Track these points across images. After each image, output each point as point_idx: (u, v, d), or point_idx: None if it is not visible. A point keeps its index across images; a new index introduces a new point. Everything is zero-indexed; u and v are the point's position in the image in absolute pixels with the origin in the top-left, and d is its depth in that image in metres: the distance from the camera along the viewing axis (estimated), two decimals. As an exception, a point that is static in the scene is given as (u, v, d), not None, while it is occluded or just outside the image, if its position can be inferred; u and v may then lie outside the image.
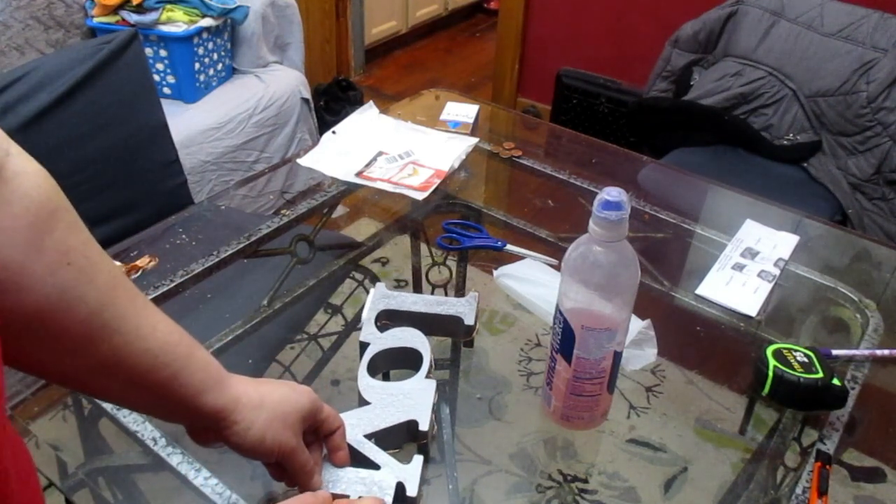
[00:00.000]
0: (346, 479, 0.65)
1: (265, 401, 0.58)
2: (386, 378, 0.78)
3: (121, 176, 1.28)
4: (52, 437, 0.74)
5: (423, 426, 0.71)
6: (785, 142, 1.99)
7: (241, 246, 1.02)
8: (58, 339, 0.45)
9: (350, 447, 0.68)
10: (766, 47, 2.01)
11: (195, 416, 0.55)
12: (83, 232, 0.47)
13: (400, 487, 0.65)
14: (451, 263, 1.04)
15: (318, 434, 0.64)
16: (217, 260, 0.98)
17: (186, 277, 0.95)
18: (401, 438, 0.72)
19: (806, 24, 1.96)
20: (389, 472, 0.66)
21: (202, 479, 0.69)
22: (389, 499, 0.64)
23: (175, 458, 0.71)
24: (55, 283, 0.44)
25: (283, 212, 1.09)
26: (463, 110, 1.36)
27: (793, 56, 1.97)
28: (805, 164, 1.97)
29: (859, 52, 1.88)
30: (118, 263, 0.96)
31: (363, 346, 0.80)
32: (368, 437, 0.69)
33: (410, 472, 0.66)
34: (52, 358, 0.46)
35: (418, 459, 0.68)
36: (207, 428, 0.57)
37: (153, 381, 0.51)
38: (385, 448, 0.69)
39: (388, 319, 0.85)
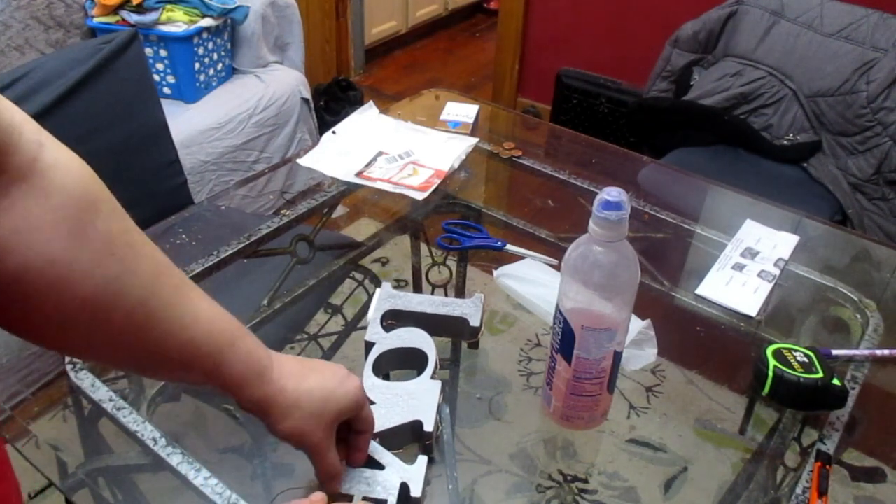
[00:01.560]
0: (351, 479, 0.65)
1: (304, 399, 0.58)
2: (386, 378, 0.78)
3: (121, 176, 1.27)
4: (52, 437, 0.74)
5: (428, 427, 0.71)
6: (785, 142, 1.99)
7: (241, 246, 1.02)
8: (104, 331, 0.45)
9: None
10: (766, 47, 2.01)
11: (236, 400, 0.57)
12: (124, 218, 0.46)
13: (404, 488, 0.65)
14: (451, 263, 1.04)
15: (350, 430, 0.65)
16: (217, 260, 0.98)
17: (186, 277, 0.95)
18: (405, 439, 0.72)
19: (806, 24, 1.96)
20: (393, 472, 0.66)
21: (202, 479, 0.69)
22: (393, 499, 0.64)
23: (175, 458, 0.71)
24: (102, 275, 0.43)
25: (283, 212, 1.09)
26: (463, 110, 1.36)
27: (793, 56, 1.97)
28: (805, 164, 1.97)
29: (859, 52, 1.87)
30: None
31: (368, 346, 0.80)
32: (373, 436, 0.69)
33: (414, 473, 0.66)
34: (97, 347, 0.47)
35: (422, 460, 0.68)
36: (253, 410, 0.58)
37: (196, 369, 0.52)
38: (389, 448, 0.69)
39: (393, 319, 0.85)
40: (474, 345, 0.87)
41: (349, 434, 0.65)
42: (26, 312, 0.42)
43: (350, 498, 0.64)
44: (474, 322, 0.84)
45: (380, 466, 0.67)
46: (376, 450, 0.68)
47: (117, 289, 0.44)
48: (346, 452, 0.65)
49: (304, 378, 0.59)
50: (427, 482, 0.68)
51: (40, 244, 0.41)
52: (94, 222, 0.43)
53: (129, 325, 0.46)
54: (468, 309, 0.85)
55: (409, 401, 0.73)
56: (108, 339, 0.46)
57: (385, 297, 0.86)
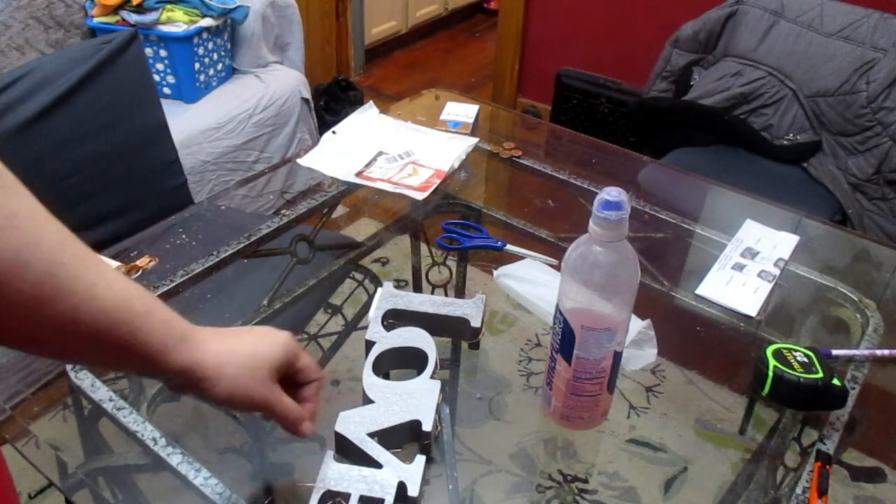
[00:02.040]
0: (348, 478, 0.65)
1: (232, 356, 0.57)
2: (386, 378, 0.78)
3: (121, 176, 1.28)
4: (52, 437, 0.74)
5: (427, 426, 0.71)
6: (785, 142, 1.99)
7: (241, 246, 1.02)
8: (11, 304, 0.45)
9: (353, 445, 0.68)
10: (766, 47, 2.01)
11: (162, 373, 0.55)
12: (28, 196, 0.46)
13: (401, 487, 0.65)
14: (451, 263, 1.04)
15: (297, 382, 0.64)
16: (217, 260, 0.98)
17: (186, 277, 0.95)
18: (403, 438, 0.72)
19: (806, 24, 1.96)
20: (391, 472, 0.66)
21: (202, 479, 0.69)
22: (390, 498, 0.64)
23: (175, 458, 0.71)
24: (3, 247, 0.43)
25: (283, 212, 1.09)
26: (463, 110, 1.36)
27: (793, 56, 1.97)
28: (805, 164, 1.97)
29: (859, 52, 1.88)
30: (117, 263, 0.96)
31: (369, 345, 0.80)
32: (371, 435, 0.69)
33: (412, 472, 0.66)
34: (8, 323, 0.46)
35: (420, 459, 0.68)
36: (181, 383, 0.57)
37: (113, 340, 0.50)
38: (387, 447, 0.69)
39: (394, 319, 0.85)
40: (475, 345, 0.87)
41: (298, 392, 0.64)
42: None
43: (347, 496, 0.64)
44: (475, 322, 0.84)
45: (377, 465, 0.67)
46: (374, 448, 0.68)
47: (22, 260, 0.44)
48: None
49: (229, 338, 0.59)
50: (426, 482, 0.68)
51: None
52: None
53: (38, 296, 0.45)
54: (469, 309, 0.85)
55: (409, 400, 0.73)
56: (20, 316, 0.45)
57: (386, 297, 0.86)
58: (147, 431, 0.73)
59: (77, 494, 0.70)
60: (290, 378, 0.63)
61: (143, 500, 0.71)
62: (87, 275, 0.48)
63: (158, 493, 0.72)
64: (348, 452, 0.69)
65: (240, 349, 0.59)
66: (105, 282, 0.50)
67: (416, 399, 0.73)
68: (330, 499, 0.64)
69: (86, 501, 0.70)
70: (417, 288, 1.00)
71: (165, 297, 0.92)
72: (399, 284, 0.99)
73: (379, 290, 0.88)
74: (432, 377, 0.76)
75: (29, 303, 0.45)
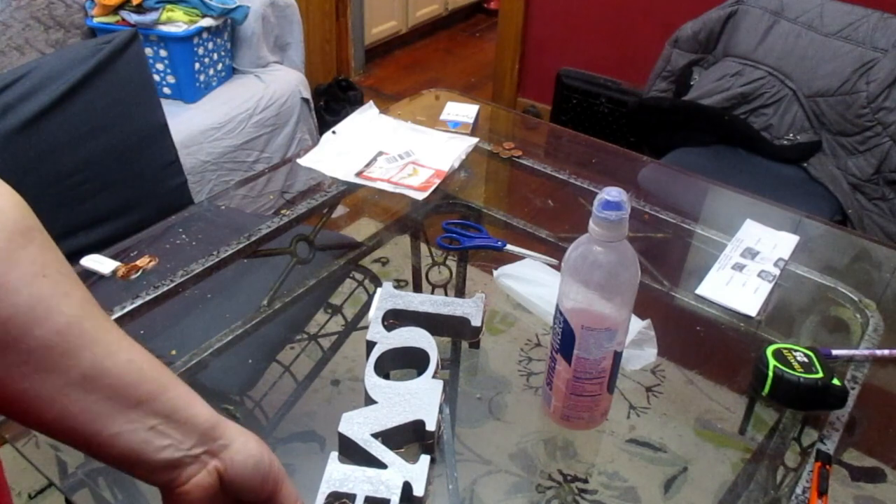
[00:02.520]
0: (353, 479, 0.65)
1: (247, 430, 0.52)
2: (385, 378, 0.78)
3: (121, 176, 1.28)
4: (52, 437, 0.74)
5: (430, 426, 0.71)
6: (785, 142, 1.99)
7: (241, 246, 1.02)
8: (31, 353, 0.43)
9: (357, 446, 0.68)
10: (766, 47, 2.01)
11: (186, 431, 0.49)
12: (57, 252, 0.47)
13: (406, 487, 0.65)
14: (451, 263, 1.04)
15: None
16: (217, 260, 0.98)
17: (186, 277, 0.95)
18: (407, 438, 0.72)
19: (806, 24, 1.96)
20: (396, 472, 0.66)
21: (202, 479, 0.69)
22: (396, 498, 0.64)
23: (175, 458, 0.70)
24: (31, 294, 0.43)
25: (283, 212, 1.09)
26: (463, 110, 1.36)
27: (793, 56, 1.97)
28: (805, 164, 1.97)
29: (859, 52, 1.88)
30: (118, 263, 0.96)
31: (370, 346, 0.80)
32: (375, 436, 0.69)
33: (417, 472, 0.66)
34: (23, 377, 0.44)
35: (425, 459, 0.68)
36: (190, 462, 0.50)
37: (140, 393, 0.47)
38: (390, 447, 0.69)
39: (394, 319, 0.85)
40: (475, 344, 0.87)
41: None
42: None
43: (353, 497, 0.64)
44: (475, 322, 0.84)
45: (382, 466, 0.67)
46: (378, 449, 0.68)
47: (49, 307, 0.44)
48: None
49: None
50: (428, 482, 0.68)
51: None
52: (28, 249, 0.44)
53: (62, 345, 0.44)
54: (469, 309, 0.85)
55: (412, 400, 0.73)
56: (35, 364, 0.44)
57: (386, 297, 0.86)
58: (147, 431, 0.73)
59: (77, 494, 0.70)
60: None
61: (143, 500, 0.71)
62: (114, 330, 0.48)
63: (158, 493, 0.72)
64: (352, 453, 0.69)
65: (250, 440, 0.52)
66: (129, 340, 0.48)
67: (419, 399, 0.73)
68: (335, 500, 0.64)
69: (86, 501, 0.70)
70: (417, 288, 1.00)
71: (165, 297, 0.92)
72: (399, 284, 0.99)
73: (378, 290, 0.88)
74: (434, 377, 0.76)
75: (52, 352, 0.44)
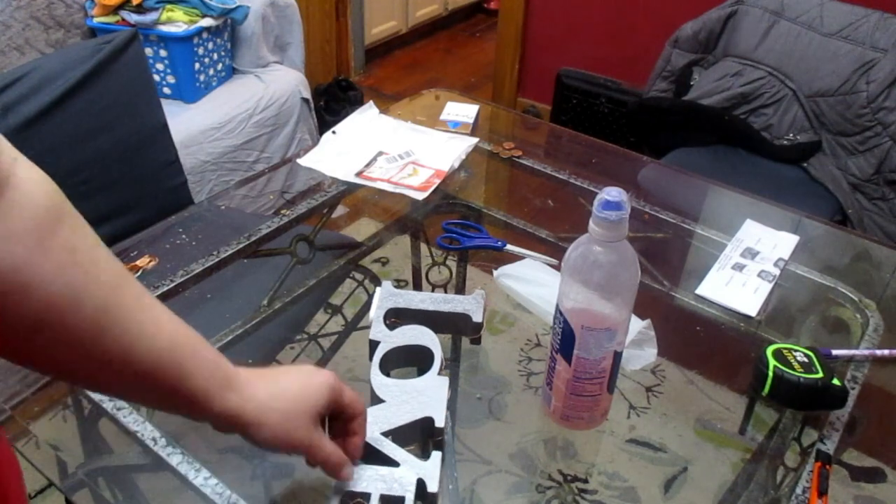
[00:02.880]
0: (367, 478, 0.65)
1: (276, 401, 0.58)
2: (386, 377, 0.78)
3: (121, 176, 1.28)
4: (52, 437, 0.74)
5: (439, 423, 0.71)
6: (785, 142, 1.99)
7: (241, 246, 1.02)
8: (67, 337, 0.46)
9: (368, 445, 0.68)
10: (766, 47, 2.01)
11: (205, 418, 0.56)
12: (90, 235, 0.49)
13: (420, 484, 0.65)
14: (451, 263, 1.04)
15: (341, 420, 0.64)
16: (217, 260, 0.98)
17: (186, 277, 0.95)
18: (416, 436, 0.72)
19: (806, 24, 1.96)
20: (409, 469, 0.66)
21: (202, 479, 0.69)
22: (411, 495, 0.64)
23: (175, 458, 0.71)
24: (63, 282, 0.45)
25: (283, 212, 1.09)
26: (463, 110, 1.36)
27: (793, 56, 1.97)
28: (805, 164, 1.97)
29: (859, 52, 1.88)
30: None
31: (373, 345, 0.80)
32: (385, 434, 0.69)
33: (430, 469, 0.66)
34: (63, 356, 0.47)
35: (437, 456, 0.68)
36: (225, 426, 0.57)
37: (160, 381, 0.51)
38: (400, 445, 0.69)
39: (395, 317, 0.85)
40: (476, 340, 0.87)
41: (345, 426, 0.65)
42: None
43: (367, 496, 0.64)
44: (477, 318, 0.84)
45: (395, 464, 0.67)
46: (390, 447, 0.68)
47: (79, 295, 0.46)
48: (345, 444, 0.65)
49: (273, 380, 0.60)
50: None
51: (6, 252, 0.43)
52: (59, 234, 0.46)
53: (92, 330, 0.47)
54: (470, 305, 0.85)
55: (419, 398, 0.73)
56: (71, 346, 0.47)
57: (386, 296, 0.86)
58: (147, 431, 0.73)
59: (77, 494, 0.70)
60: (334, 414, 0.63)
61: (143, 500, 0.71)
62: (142, 313, 0.50)
63: (158, 493, 0.72)
64: (363, 453, 0.69)
65: (283, 394, 0.59)
66: (157, 321, 0.51)
67: (427, 396, 0.73)
68: (350, 500, 0.64)
69: (86, 501, 0.70)
70: (417, 288, 1.00)
71: (165, 297, 0.92)
72: (399, 284, 0.99)
73: (378, 289, 0.87)
74: (440, 374, 0.76)
75: (84, 337, 0.47)
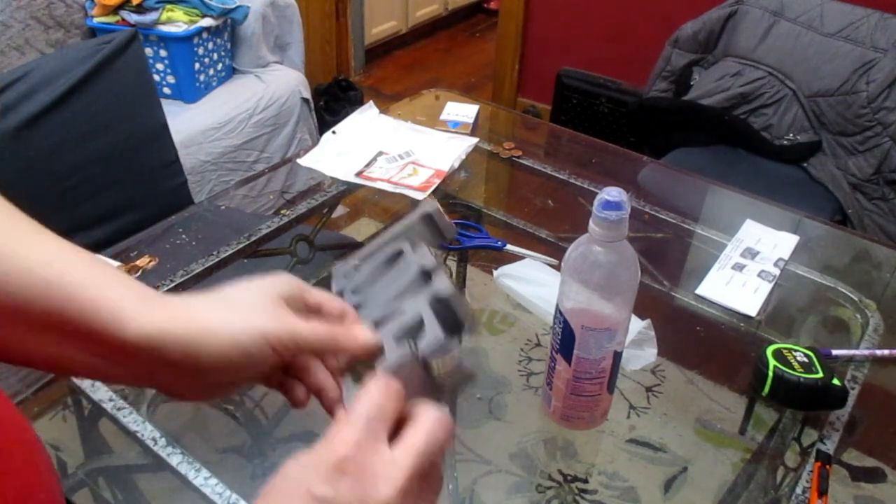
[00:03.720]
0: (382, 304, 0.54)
1: (220, 303, 0.45)
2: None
3: (121, 176, 1.28)
4: (52, 437, 0.74)
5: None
6: (785, 142, 1.99)
7: (241, 246, 1.02)
8: None
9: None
10: (766, 47, 2.01)
11: (122, 356, 0.41)
12: None
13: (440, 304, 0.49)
14: (451, 263, 1.04)
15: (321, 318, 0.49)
16: (217, 260, 0.98)
17: (186, 277, 0.95)
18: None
19: (806, 24, 1.96)
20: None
21: (202, 479, 0.69)
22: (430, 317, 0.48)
23: (175, 458, 0.71)
24: None
25: (283, 212, 1.09)
26: (463, 110, 1.36)
27: (793, 56, 1.97)
28: (805, 164, 1.97)
29: (859, 52, 1.88)
30: (118, 263, 0.96)
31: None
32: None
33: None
34: None
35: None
36: (160, 369, 0.42)
37: (44, 309, 0.39)
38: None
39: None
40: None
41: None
42: None
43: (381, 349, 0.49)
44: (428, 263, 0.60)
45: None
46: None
47: None
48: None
49: (215, 291, 0.46)
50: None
51: None
52: None
53: None
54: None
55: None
56: None
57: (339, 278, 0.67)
58: (147, 431, 0.73)
59: (77, 494, 0.70)
60: (299, 344, 0.47)
61: (143, 500, 0.71)
62: (15, 237, 0.40)
63: (158, 493, 0.72)
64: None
65: (227, 295, 0.46)
66: (36, 244, 0.41)
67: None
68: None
69: (86, 501, 0.70)
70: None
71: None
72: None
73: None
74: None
75: None
